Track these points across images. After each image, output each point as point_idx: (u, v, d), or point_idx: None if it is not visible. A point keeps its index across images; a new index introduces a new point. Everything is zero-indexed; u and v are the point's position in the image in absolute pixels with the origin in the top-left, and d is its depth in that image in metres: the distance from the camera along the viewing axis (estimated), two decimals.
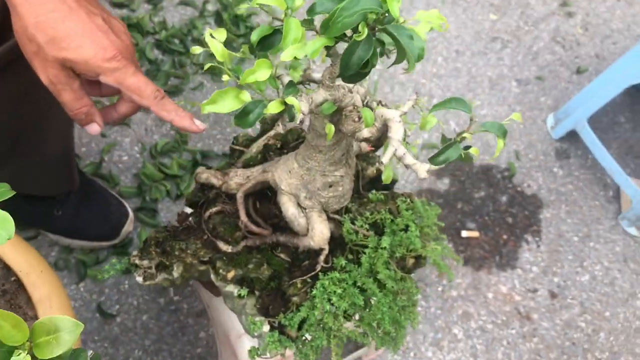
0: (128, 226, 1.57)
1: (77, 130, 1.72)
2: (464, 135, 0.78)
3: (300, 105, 0.76)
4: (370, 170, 1.10)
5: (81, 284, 1.54)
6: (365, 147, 1.09)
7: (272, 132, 1.12)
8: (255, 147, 1.10)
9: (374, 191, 1.05)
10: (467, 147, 0.80)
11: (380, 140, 1.16)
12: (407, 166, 0.80)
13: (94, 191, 1.57)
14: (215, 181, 1.05)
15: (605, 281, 1.78)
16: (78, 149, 1.70)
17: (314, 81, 0.88)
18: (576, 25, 2.29)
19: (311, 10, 0.68)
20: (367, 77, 0.89)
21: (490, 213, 1.84)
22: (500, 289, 1.73)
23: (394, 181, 1.17)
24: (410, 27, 0.87)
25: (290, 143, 1.09)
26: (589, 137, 1.88)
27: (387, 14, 0.66)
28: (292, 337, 0.98)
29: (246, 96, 0.72)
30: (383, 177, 0.95)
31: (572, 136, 2.00)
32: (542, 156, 1.97)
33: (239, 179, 1.02)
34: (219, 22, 1.97)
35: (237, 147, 1.13)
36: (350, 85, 0.85)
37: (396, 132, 0.80)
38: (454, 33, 2.17)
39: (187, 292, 1.58)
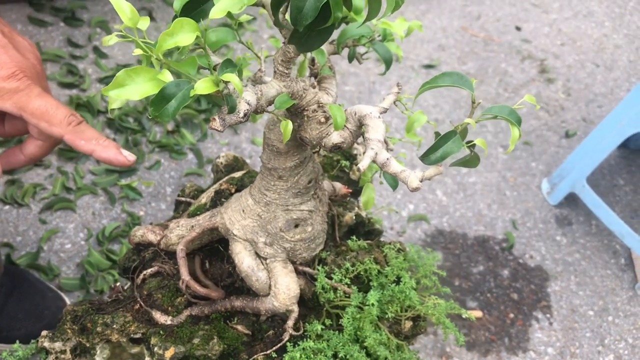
0: None
1: (12, 216, 1.50)
2: (467, 122, 0.58)
3: (245, 95, 0.57)
4: (348, 217, 0.89)
5: None
6: (340, 188, 0.89)
7: (224, 178, 0.91)
8: (206, 196, 0.89)
9: (354, 237, 0.83)
10: (471, 143, 0.60)
11: (359, 184, 0.96)
12: (393, 175, 0.59)
13: (25, 284, 1.32)
14: (153, 237, 0.83)
15: None
16: (12, 237, 1.47)
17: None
18: (557, 90, 2.18)
19: None
20: (335, 75, 0.71)
21: (492, 289, 1.61)
22: None
23: (378, 232, 0.95)
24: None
25: None
26: (591, 199, 1.70)
27: None
28: None
29: (166, 76, 0.52)
30: (362, 200, 0.74)
31: (570, 201, 1.82)
32: (542, 224, 1.77)
33: (181, 230, 0.80)
34: None
35: (183, 199, 0.92)
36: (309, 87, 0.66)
37: (375, 131, 0.60)
38: (432, 102, 2.04)
39: None
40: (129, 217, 1.54)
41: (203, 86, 0.52)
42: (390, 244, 0.84)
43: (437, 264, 1.64)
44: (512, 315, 1.57)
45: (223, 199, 0.87)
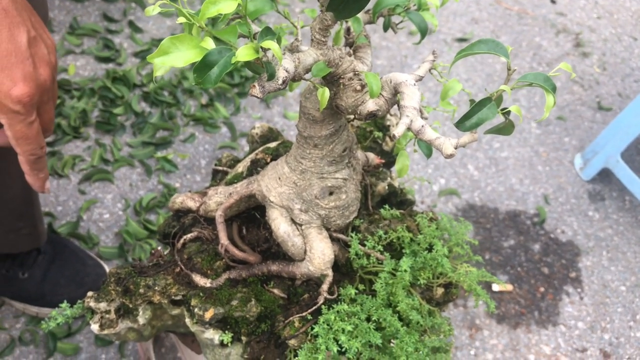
0: None
1: (53, 187, 1.55)
2: (502, 89, 0.59)
3: (284, 62, 0.58)
4: (381, 187, 0.90)
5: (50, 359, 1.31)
6: (373, 158, 0.90)
7: (260, 148, 0.93)
8: (242, 165, 0.91)
9: (386, 206, 0.85)
10: (505, 110, 0.61)
11: (392, 155, 0.97)
12: (428, 142, 0.60)
13: (67, 251, 1.37)
14: (192, 204, 0.86)
15: None
16: (54, 207, 1.52)
17: None
18: (593, 64, 2.14)
19: None
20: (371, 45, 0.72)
21: (523, 263, 1.61)
22: (543, 349, 1.47)
23: (410, 202, 0.97)
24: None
25: None
26: (625, 174, 1.69)
27: None
28: None
29: (209, 43, 0.54)
30: (396, 168, 0.75)
31: (604, 177, 1.81)
32: (574, 199, 1.76)
33: (220, 197, 0.83)
34: None
35: (220, 168, 0.94)
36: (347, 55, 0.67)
37: (410, 99, 0.61)
38: (464, 76, 2.02)
39: None
40: (165, 189, 1.58)
41: (244, 53, 0.53)
42: (422, 213, 0.86)
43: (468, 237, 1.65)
44: (542, 289, 1.57)
45: (259, 168, 0.89)
